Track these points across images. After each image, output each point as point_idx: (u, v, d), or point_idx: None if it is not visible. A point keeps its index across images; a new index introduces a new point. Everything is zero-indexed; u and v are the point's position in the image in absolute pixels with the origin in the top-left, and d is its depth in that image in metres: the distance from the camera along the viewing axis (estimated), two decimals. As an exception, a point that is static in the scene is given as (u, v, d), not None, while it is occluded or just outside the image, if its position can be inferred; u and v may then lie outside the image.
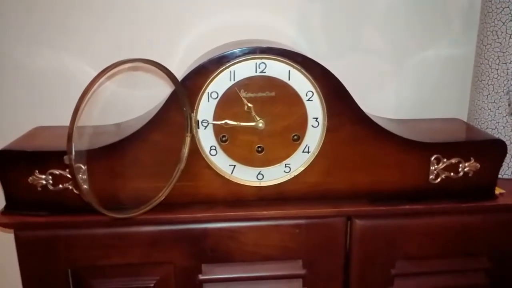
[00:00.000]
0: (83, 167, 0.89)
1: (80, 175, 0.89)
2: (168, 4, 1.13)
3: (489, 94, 1.10)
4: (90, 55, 1.14)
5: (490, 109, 1.11)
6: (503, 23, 1.06)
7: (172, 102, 0.87)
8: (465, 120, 1.20)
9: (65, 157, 0.71)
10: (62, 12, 1.10)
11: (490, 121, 1.11)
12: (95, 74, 0.74)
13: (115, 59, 0.80)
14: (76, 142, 0.89)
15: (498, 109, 1.10)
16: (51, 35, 1.12)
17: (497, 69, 1.08)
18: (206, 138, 0.90)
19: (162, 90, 1.12)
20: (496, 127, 1.11)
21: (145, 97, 1.13)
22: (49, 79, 1.15)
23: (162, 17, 1.13)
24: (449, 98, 1.26)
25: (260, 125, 0.88)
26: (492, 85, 1.09)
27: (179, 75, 0.90)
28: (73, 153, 0.71)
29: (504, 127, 1.10)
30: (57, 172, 0.90)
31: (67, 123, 1.04)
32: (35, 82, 1.16)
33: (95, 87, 0.74)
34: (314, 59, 0.88)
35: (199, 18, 1.14)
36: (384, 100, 1.24)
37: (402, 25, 1.19)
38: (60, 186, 0.90)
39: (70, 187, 0.91)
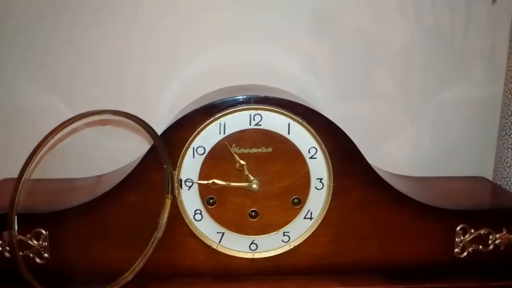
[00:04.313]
0: (44, 232, 0.81)
1: (40, 241, 0.81)
2: (156, 43, 1.05)
3: (519, 150, 0.98)
4: (73, 99, 1.05)
5: (520, 167, 0.98)
6: (535, 71, 0.94)
7: (150, 158, 0.79)
8: (490, 177, 1.10)
9: (5, 233, 0.57)
10: (52, 55, 1.04)
11: (521, 181, 0.98)
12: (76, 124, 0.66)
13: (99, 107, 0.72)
14: (35, 201, 0.82)
15: (530, 168, 0.97)
16: (37, 77, 1.05)
17: (528, 123, 0.96)
18: (190, 201, 0.81)
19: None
20: (528, 189, 0.98)
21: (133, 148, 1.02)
22: (26, 123, 1.06)
23: (149, 60, 1.05)
24: (471, 150, 1.15)
25: (254, 186, 0.80)
26: (523, 140, 0.97)
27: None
28: (15, 227, 0.57)
29: (537, 188, 0.97)
30: (16, 238, 0.77)
31: (41, 174, 0.95)
32: (9, 125, 1.06)
33: (53, 140, 0.62)
34: (319, 110, 0.81)
35: (191, 59, 1.06)
36: (397, 152, 1.15)
37: (418, 68, 1.10)
38: (20, 253, 0.78)
39: (31, 255, 0.82)
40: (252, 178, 0.80)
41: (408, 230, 0.84)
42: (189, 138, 0.78)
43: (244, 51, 1.06)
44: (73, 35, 1.02)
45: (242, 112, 0.78)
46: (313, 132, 0.79)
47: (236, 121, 0.79)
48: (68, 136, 0.98)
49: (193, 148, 0.79)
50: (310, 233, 0.83)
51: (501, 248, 0.86)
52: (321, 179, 0.81)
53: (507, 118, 1.01)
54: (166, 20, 1.03)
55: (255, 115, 0.78)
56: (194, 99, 0.94)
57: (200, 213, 0.82)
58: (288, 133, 0.80)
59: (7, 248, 0.80)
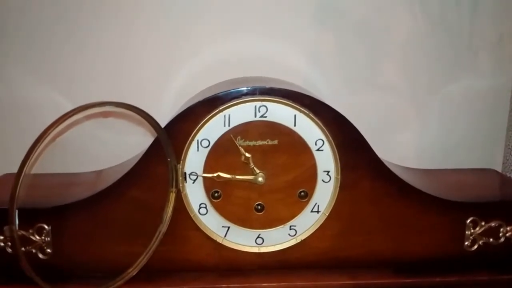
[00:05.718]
0: (46, 227, 0.79)
1: (43, 237, 0.80)
2: (159, 35, 1.03)
3: (528, 141, 0.96)
4: (73, 93, 1.03)
5: (530, 159, 0.97)
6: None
7: (154, 152, 0.78)
8: (499, 169, 1.08)
9: (6, 228, 0.56)
10: (54, 48, 1.02)
11: (531, 173, 0.97)
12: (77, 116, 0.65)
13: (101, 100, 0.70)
14: (36, 195, 0.81)
15: (540, 159, 0.96)
16: (36, 70, 1.03)
17: (537, 113, 0.95)
18: (195, 194, 0.80)
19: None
20: (538, 181, 0.97)
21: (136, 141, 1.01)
22: (26, 117, 1.04)
23: (152, 52, 1.04)
24: (479, 142, 1.14)
25: (260, 179, 0.79)
26: (532, 131, 0.96)
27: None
28: (17, 222, 0.56)
29: (547, 180, 0.96)
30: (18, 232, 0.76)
31: (42, 169, 0.94)
32: (9, 120, 1.05)
33: (52, 134, 0.61)
34: (325, 102, 0.79)
35: (193, 51, 1.04)
36: (404, 145, 1.13)
37: (424, 59, 1.09)
38: (22, 249, 0.78)
39: (34, 250, 0.81)
40: (257, 171, 0.79)
41: (417, 223, 0.83)
42: (193, 131, 0.77)
43: (248, 44, 1.04)
44: (74, 28, 1.01)
45: (247, 103, 0.77)
46: (320, 124, 0.78)
47: (241, 113, 0.77)
48: (68, 129, 0.97)
49: (197, 141, 0.78)
50: (317, 226, 0.82)
51: (512, 241, 0.85)
52: (328, 171, 0.80)
53: (516, 109, 1.00)
54: (169, 13, 1.01)
55: (260, 106, 0.77)
56: (197, 92, 0.93)
57: (205, 207, 0.80)
58: (294, 125, 0.78)
59: (9, 243, 0.79)
